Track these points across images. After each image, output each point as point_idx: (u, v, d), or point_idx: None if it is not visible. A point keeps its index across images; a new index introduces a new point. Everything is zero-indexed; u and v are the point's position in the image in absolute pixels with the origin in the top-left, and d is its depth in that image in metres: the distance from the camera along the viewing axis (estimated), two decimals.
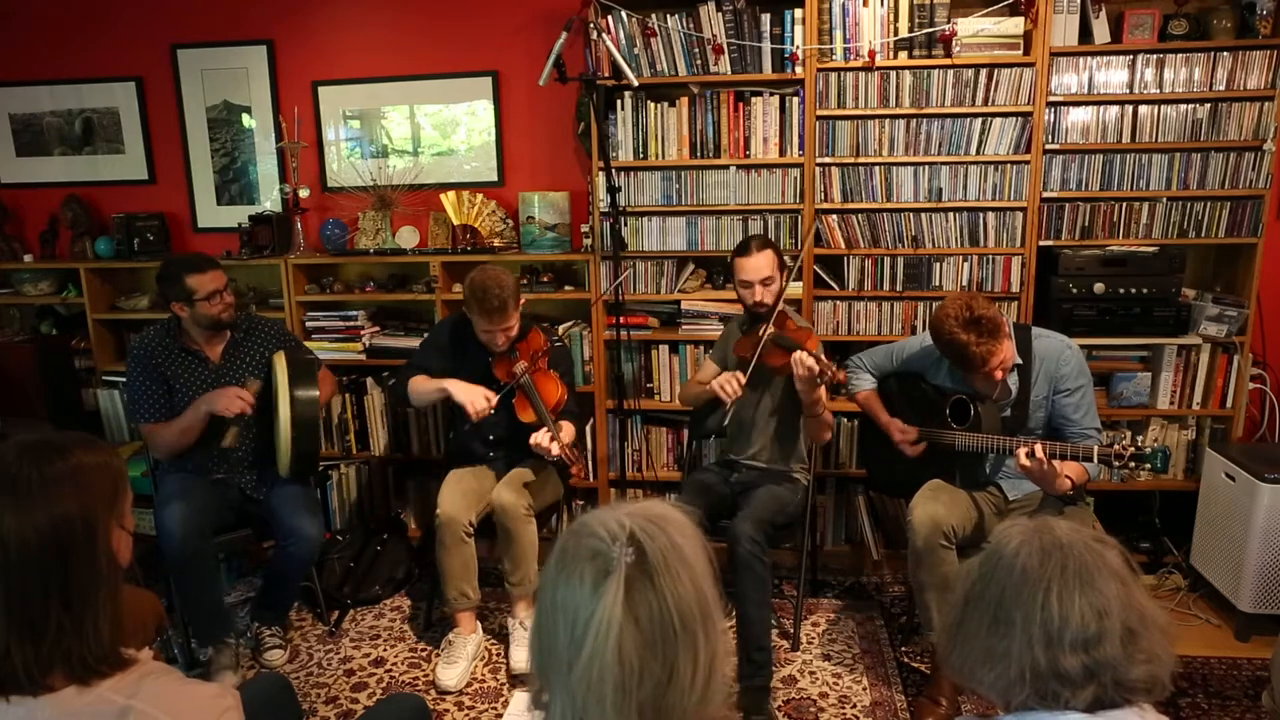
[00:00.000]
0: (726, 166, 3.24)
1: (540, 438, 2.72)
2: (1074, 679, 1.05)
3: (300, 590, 3.00)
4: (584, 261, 3.42)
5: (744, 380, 2.69)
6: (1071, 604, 1.05)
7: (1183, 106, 3.03)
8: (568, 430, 2.84)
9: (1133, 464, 2.22)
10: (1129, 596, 1.07)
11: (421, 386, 2.89)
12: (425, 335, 3.24)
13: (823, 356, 2.54)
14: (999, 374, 2.48)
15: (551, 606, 0.97)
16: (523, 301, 2.86)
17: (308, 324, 3.62)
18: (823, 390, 2.64)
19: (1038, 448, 2.30)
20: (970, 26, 3.05)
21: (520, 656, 2.77)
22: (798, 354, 2.56)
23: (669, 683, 0.94)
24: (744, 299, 2.83)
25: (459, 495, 2.82)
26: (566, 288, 3.50)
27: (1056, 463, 2.33)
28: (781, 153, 3.22)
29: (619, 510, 0.99)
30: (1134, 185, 3.10)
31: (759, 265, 2.76)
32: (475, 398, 2.77)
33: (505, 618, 2.95)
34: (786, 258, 3.14)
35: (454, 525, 2.75)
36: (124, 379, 3.08)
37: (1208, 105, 3.02)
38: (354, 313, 3.61)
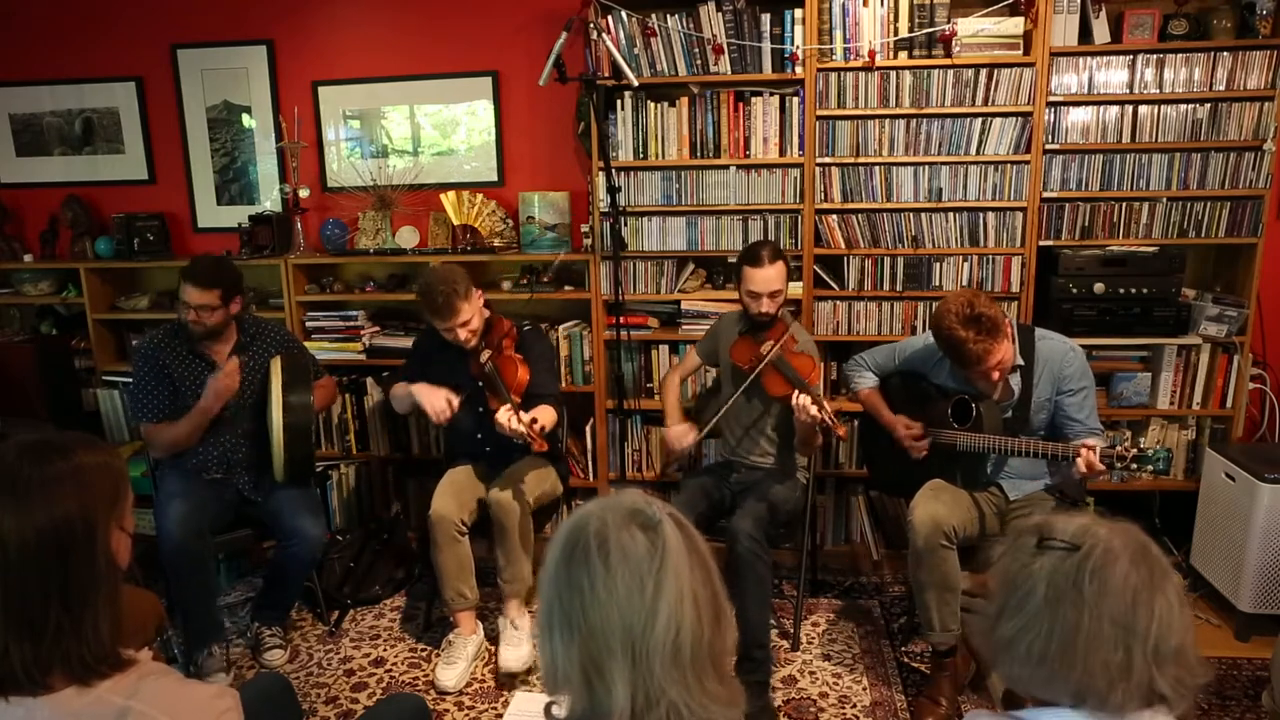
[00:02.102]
0: (726, 166, 3.24)
1: (500, 416, 2.63)
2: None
3: (301, 590, 3.00)
4: (584, 261, 3.43)
5: (691, 443, 2.93)
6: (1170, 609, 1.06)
7: (1183, 106, 3.03)
8: (545, 414, 2.76)
9: (1134, 465, 2.22)
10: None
11: (398, 393, 2.94)
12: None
13: (825, 403, 2.52)
14: (995, 374, 2.47)
15: (599, 589, 0.96)
16: (480, 295, 2.83)
17: (308, 324, 3.62)
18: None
19: (1095, 459, 2.30)
20: (970, 26, 3.05)
21: (511, 655, 2.74)
22: (802, 401, 2.52)
23: (719, 617, 1.00)
24: (748, 306, 2.82)
25: (451, 494, 2.81)
26: (566, 288, 3.50)
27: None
28: (781, 153, 3.22)
29: (609, 496, 1.05)
30: (1134, 185, 3.10)
31: (769, 278, 2.75)
32: (436, 401, 2.77)
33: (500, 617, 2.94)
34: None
35: (445, 524, 2.75)
36: (127, 378, 3.08)
37: (1208, 105, 3.02)
38: (354, 313, 3.61)
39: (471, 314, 2.77)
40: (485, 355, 2.80)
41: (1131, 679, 1.04)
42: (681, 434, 2.94)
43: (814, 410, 2.49)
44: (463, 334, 2.77)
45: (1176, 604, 1.05)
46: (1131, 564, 1.06)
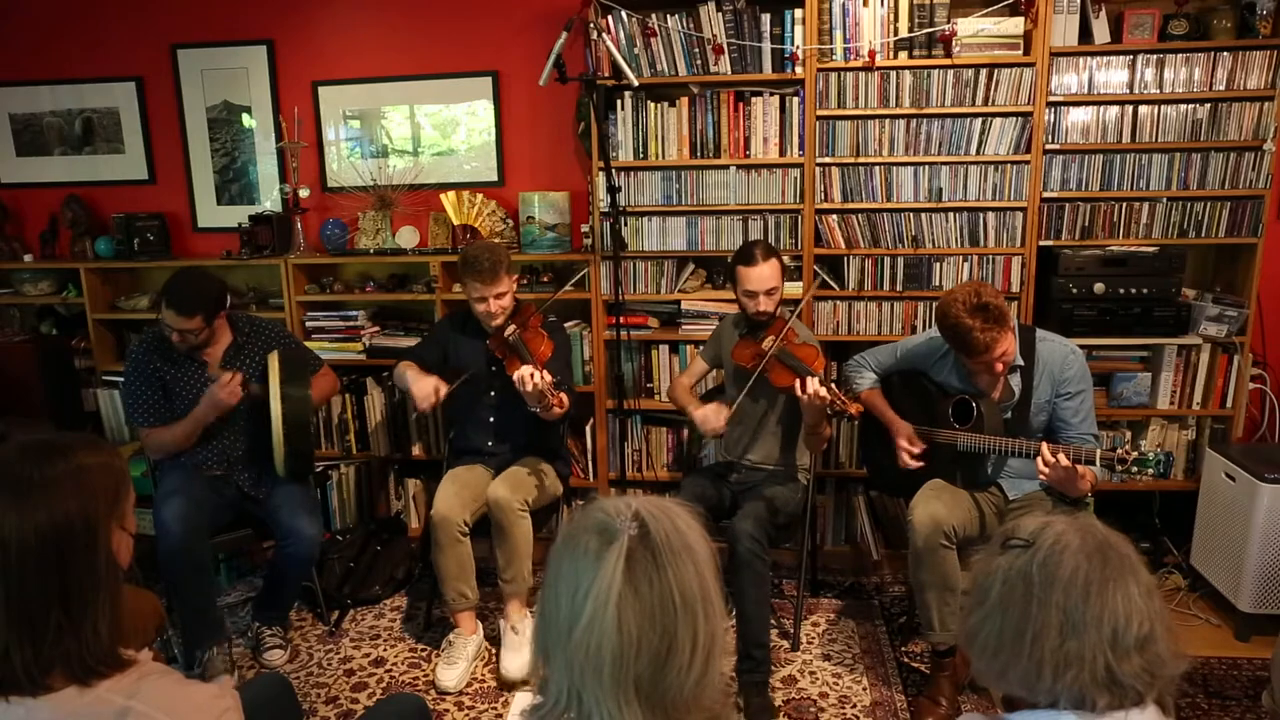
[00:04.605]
0: (726, 166, 3.24)
1: (522, 371, 2.63)
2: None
3: (300, 590, 3.00)
4: (584, 261, 3.43)
5: (726, 420, 2.77)
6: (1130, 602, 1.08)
7: (1183, 106, 3.03)
8: (562, 398, 2.77)
9: (1135, 468, 2.22)
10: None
11: (401, 373, 2.97)
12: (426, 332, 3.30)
13: (833, 385, 2.51)
14: (999, 366, 2.45)
15: (555, 578, 1.00)
16: (515, 278, 2.90)
17: (308, 324, 3.62)
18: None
19: (1061, 455, 2.28)
20: (970, 26, 3.05)
21: (511, 662, 2.75)
22: (811, 385, 2.50)
23: (667, 657, 0.95)
24: (746, 307, 2.81)
25: (453, 495, 2.82)
26: (567, 287, 3.50)
27: (1079, 466, 2.30)
28: (781, 153, 3.22)
29: (627, 496, 1.03)
30: (1134, 185, 3.10)
31: (764, 276, 2.74)
32: (424, 386, 2.83)
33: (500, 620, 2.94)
34: (786, 259, 3.14)
35: (448, 525, 2.75)
36: (121, 379, 3.08)
37: (1208, 105, 3.02)
38: (354, 313, 3.61)
39: (508, 289, 2.85)
40: (511, 329, 2.85)
41: (1084, 667, 1.06)
42: (713, 412, 2.82)
43: (824, 391, 2.48)
44: (494, 306, 2.83)
45: (1140, 596, 1.08)
46: (1084, 556, 1.09)
